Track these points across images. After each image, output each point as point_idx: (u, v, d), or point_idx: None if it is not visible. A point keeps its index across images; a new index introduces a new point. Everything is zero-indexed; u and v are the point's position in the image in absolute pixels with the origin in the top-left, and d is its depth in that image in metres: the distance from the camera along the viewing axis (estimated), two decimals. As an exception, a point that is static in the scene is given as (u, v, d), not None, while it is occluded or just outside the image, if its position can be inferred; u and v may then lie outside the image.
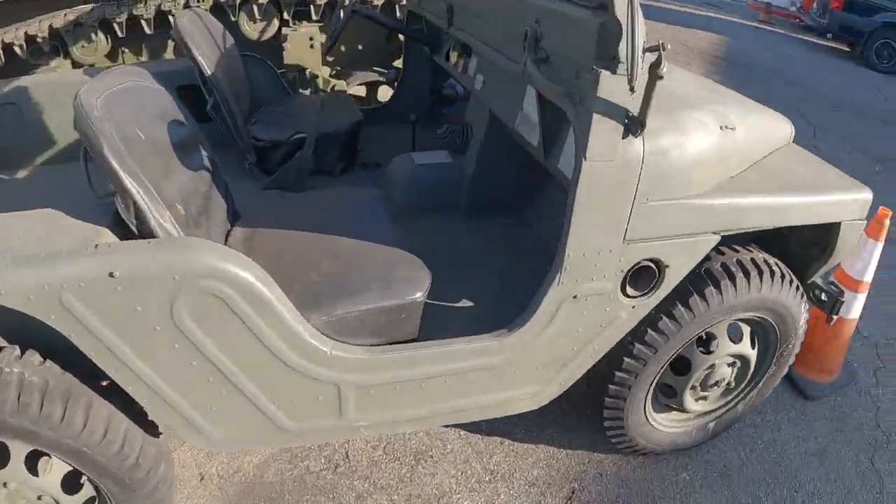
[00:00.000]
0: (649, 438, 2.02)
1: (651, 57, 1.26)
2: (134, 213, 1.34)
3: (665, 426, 2.04)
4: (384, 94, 4.19)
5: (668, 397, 2.00)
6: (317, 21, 3.60)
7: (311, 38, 3.58)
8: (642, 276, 1.64)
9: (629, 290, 1.65)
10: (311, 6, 3.49)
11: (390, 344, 1.58)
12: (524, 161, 2.35)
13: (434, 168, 2.52)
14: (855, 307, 2.38)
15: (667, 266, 1.62)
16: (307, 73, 3.66)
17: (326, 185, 2.68)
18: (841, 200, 1.76)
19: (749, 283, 1.75)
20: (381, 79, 4.02)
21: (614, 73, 1.32)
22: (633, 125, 1.38)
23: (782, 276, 1.82)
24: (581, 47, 1.40)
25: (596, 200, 1.47)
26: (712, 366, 1.91)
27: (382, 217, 1.93)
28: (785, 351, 1.98)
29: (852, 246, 1.88)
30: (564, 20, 1.48)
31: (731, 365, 1.95)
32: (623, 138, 1.41)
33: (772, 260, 1.84)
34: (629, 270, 1.61)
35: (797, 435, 2.28)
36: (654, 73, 1.26)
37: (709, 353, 1.88)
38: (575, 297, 1.58)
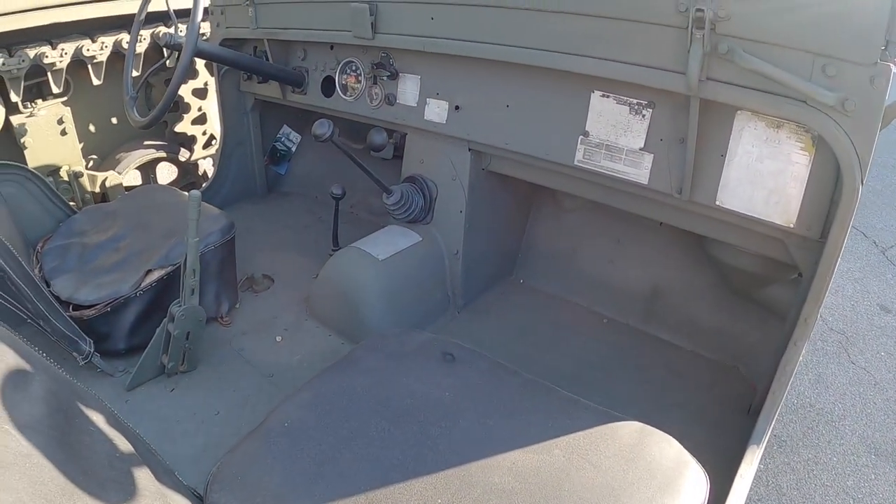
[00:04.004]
0: None
1: None
2: None
3: None
4: (165, 174, 3.11)
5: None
6: (59, 95, 2.42)
7: (60, 121, 2.40)
8: None
9: None
10: (49, 74, 2.31)
11: None
12: (533, 204, 1.93)
13: (408, 256, 1.72)
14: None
15: None
16: (66, 171, 2.47)
17: (225, 352, 1.75)
18: None
19: None
20: (161, 154, 2.96)
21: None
22: None
23: None
24: (842, 32, 1.09)
25: None
26: None
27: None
28: None
29: None
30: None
31: None
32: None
33: None
34: None
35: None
36: None
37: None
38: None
